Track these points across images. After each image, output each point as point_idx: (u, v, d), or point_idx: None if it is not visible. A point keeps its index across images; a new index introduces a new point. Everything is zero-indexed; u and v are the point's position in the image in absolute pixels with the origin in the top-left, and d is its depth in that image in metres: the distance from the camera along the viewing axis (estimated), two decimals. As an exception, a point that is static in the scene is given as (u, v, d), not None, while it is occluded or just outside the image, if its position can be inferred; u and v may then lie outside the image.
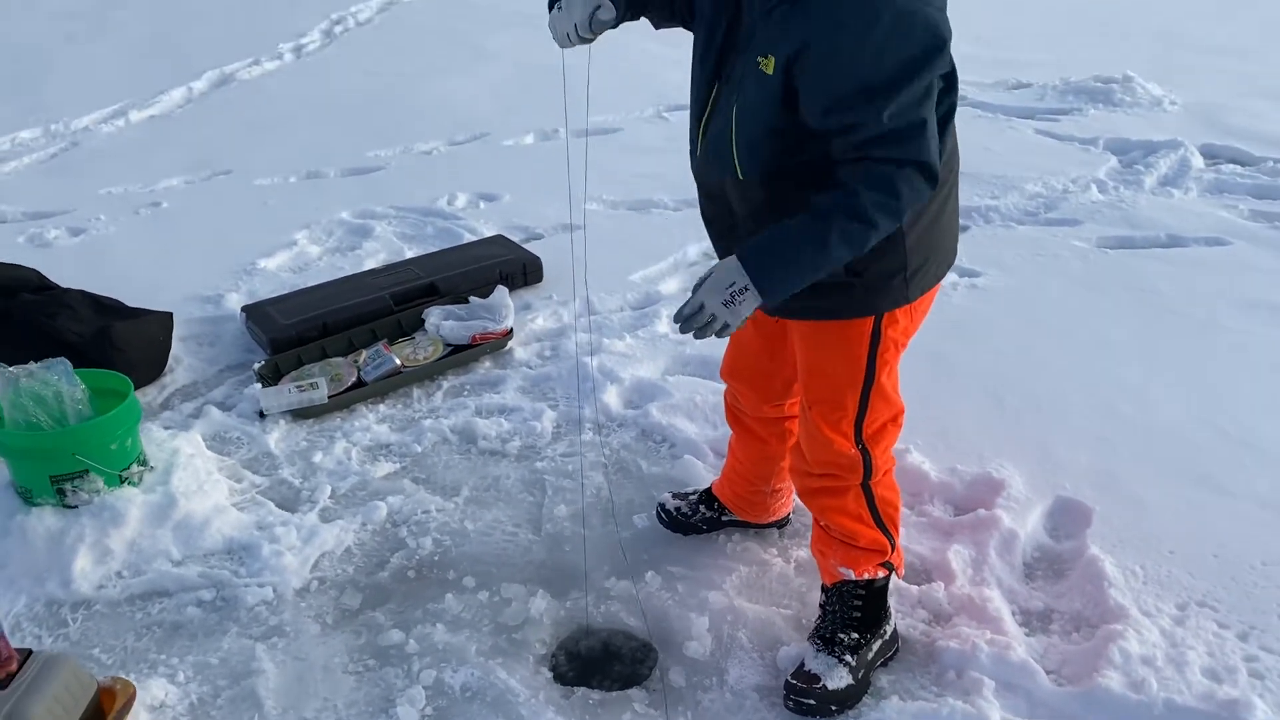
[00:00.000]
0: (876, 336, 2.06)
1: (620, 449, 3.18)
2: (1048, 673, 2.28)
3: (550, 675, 2.38)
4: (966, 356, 3.57)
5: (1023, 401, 3.29)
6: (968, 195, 5.16)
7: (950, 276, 4.15)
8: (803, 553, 2.71)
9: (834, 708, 2.22)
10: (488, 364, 3.68)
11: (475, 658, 2.40)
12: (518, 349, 3.74)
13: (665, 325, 3.86)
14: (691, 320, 1.89)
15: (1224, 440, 3.06)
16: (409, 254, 4.53)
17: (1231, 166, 5.39)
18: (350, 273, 4.26)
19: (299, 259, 4.61)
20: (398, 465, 3.15)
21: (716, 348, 3.66)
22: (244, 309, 3.90)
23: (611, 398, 3.40)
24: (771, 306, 2.10)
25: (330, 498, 2.99)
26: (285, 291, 4.09)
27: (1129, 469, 2.94)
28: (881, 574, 2.33)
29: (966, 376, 3.46)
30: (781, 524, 2.79)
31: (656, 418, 3.26)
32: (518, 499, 2.98)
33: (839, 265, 1.85)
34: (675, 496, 2.82)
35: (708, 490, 2.79)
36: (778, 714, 2.24)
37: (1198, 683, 2.19)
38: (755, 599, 2.56)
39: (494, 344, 3.68)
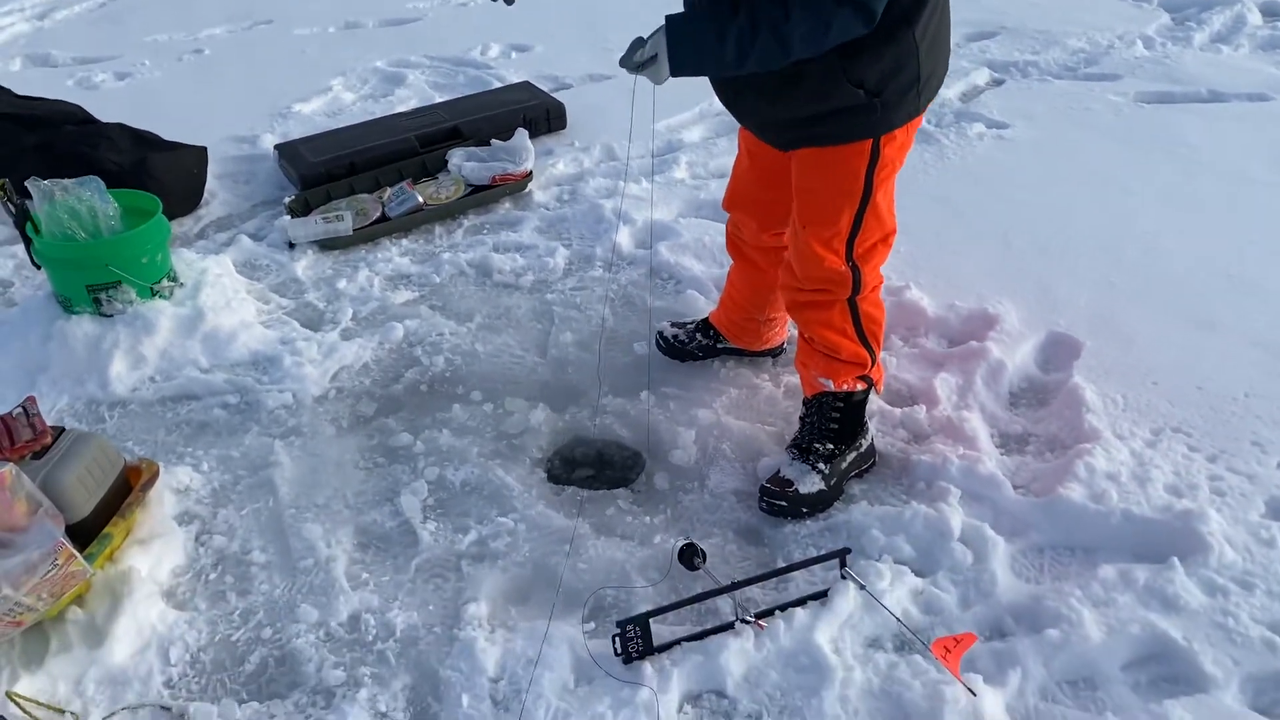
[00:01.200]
0: (875, 156, 2.11)
1: (628, 285, 3.28)
2: (1016, 487, 2.38)
3: (544, 475, 2.54)
4: (980, 202, 3.58)
5: (1030, 245, 3.31)
6: (1007, 51, 5.05)
7: (977, 126, 4.13)
8: (793, 378, 2.81)
9: (804, 510, 2.35)
10: (507, 205, 3.77)
11: (476, 459, 2.57)
12: (537, 192, 3.82)
13: (683, 171, 3.91)
14: (627, 60, 2.03)
15: (1229, 284, 3.06)
16: (439, 101, 4.59)
17: (1290, 24, 5.18)
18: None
19: (333, 104, 4.71)
20: (416, 294, 3.29)
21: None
22: (276, 147, 4.02)
23: (624, 238, 3.48)
24: (783, 141, 2.19)
25: (351, 319, 3.15)
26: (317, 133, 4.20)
27: (1126, 309, 2.97)
28: (860, 387, 2.43)
29: (977, 220, 3.47)
30: (775, 353, 2.89)
31: (665, 256, 3.34)
32: (527, 326, 3.11)
33: (740, 71, 1.92)
34: (674, 325, 2.92)
35: (705, 319, 2.89)
36: (751, 514, 2.38)
37: (1158, 496, 2.27)
38: (742, 416, 2.68)
39: (513, 186, 3.77)
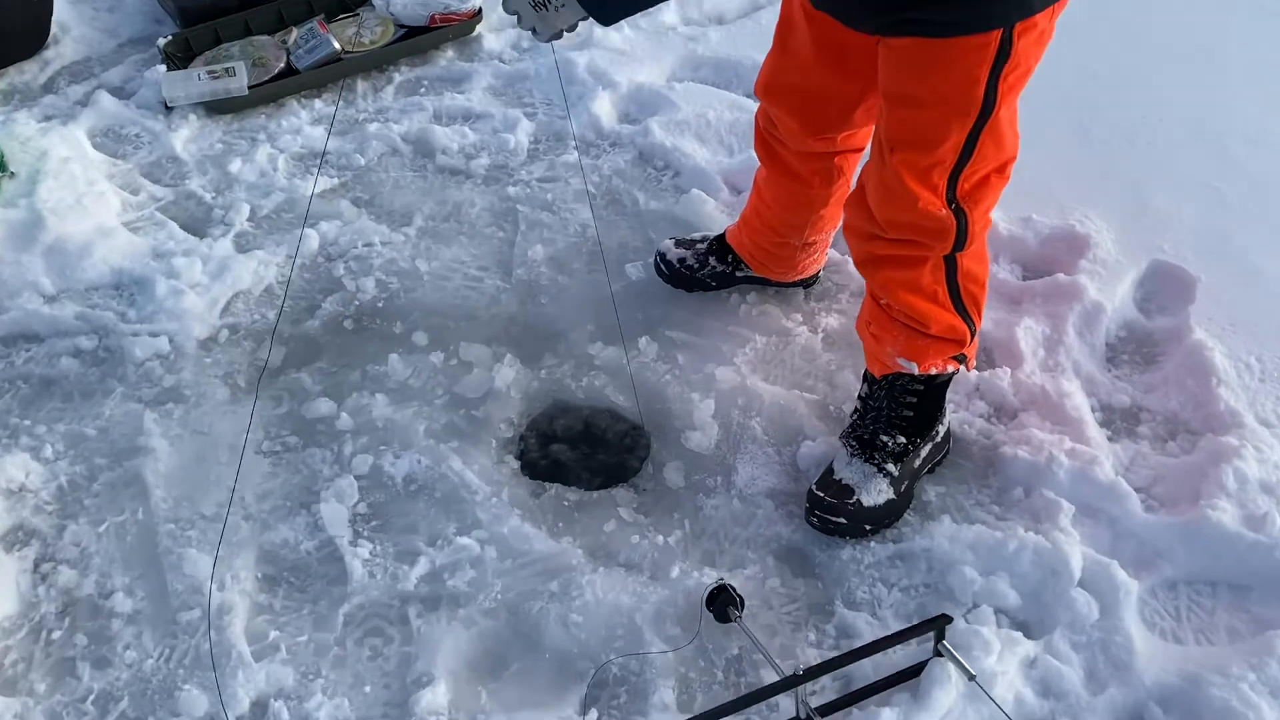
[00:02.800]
0: (1005, 52, 1.43)
1: (612, 175, 2.55)
2: (1135, 490, 1.82)
3: (517, 465, 1.91)
4: (1047, 74, 2.85)
5: (1114, 134, 2.64)
6: None
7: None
8: (833, 320, 2.17)
9: (868, 527, 1.78)
10: (450, 54, 2.96)
11: (424, 440, 1.92)
12: (488, 36, 3.00)
13: (673, 14, 3.10)
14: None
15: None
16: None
17: None
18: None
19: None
20: (335, 181, 2.53)
21: (739, 47, 2.97)
22: (146, -34, 3.10)
23: (603, 107, 2.72)
24: (874, 25, 1.51)
25: (249, 220, 2.40)
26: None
27: (1241, 226, 2.35)
28: (951, 368, 1.82)
29: (1046, 100, 2.74)
30: (808, 283, 2.24)
31: (658, 137, 2.61)
32: (484, 234, 2.40)
33: None
34: (679, 244, 2.24)
35: (720, 238, 2.21)
36: (794, 526, 1.80)
37: (1333, 521, 1.73)
38: (773, 378, 2.06)
39: (458, 27, 2.94)
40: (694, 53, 2.95)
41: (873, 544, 1.77)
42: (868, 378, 1.88)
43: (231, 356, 2.08)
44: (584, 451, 1.95)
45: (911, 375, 1.79)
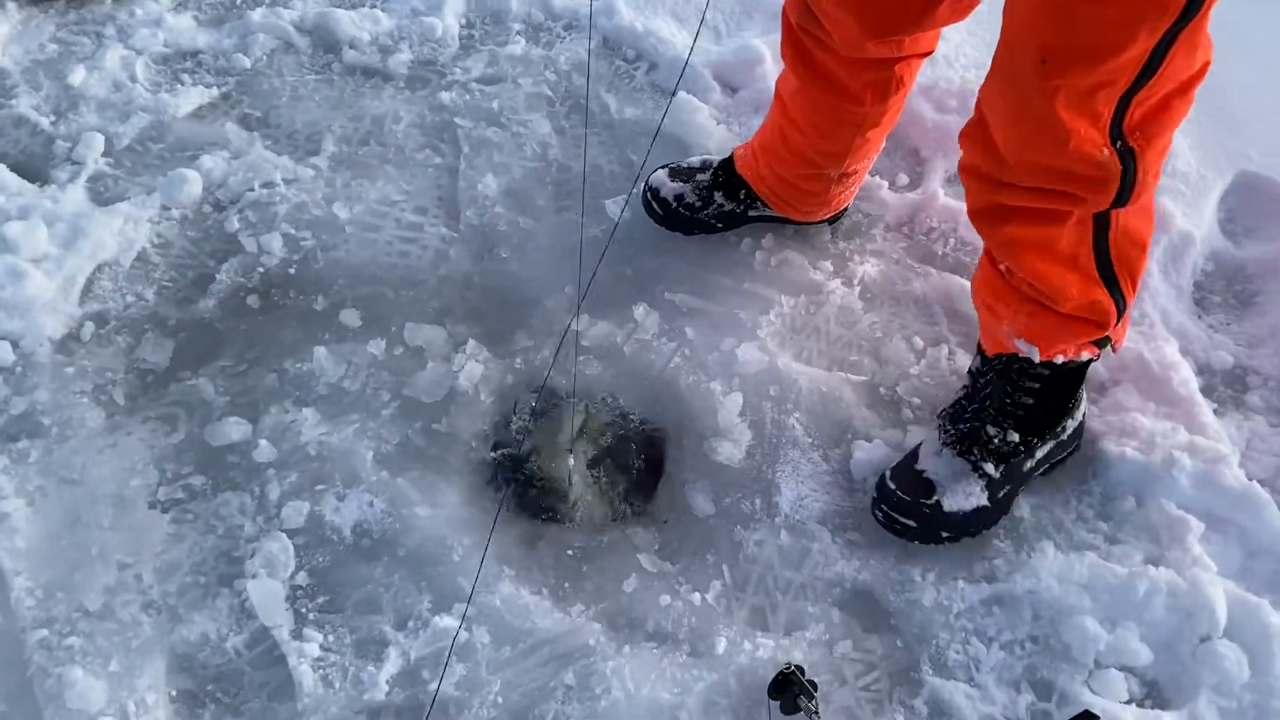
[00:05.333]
0: None
1: (571, 72, 2.03)
2: (1262, 488, 1.49)
3: (499, 499, 1.48)
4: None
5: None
6: None
7: None
8: (871, 266, 1.75)
9: (945, 535, 1.43)
10: (347, -96, 2.31)
11: (374, 472, 1.47)
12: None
13: None
14: None
15: None
16: None
17: None
18: None
19: None
20: (215, 92, 1.95)
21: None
22: None
23: (555, -25, 2.15)
24: None
25: (105, 156, 1.83)
26: None
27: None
28: (1088, 355, 1.42)
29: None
30: (835, 218, 1.79)
31: (625, 16, 2.07)
32: (416, 160, 1.87)
33: None
34: (674, 175, 1.76)
35: (727, 165, 1.74)
36: (858, 561, 1.43)
37: None
38: (807, 354, 1.64)
39: None
40: (655, -103, 2.37)
41: (960, 583, 1.41)
42: (980, 350, 1.48)
43: (101, 361, 1.57)
44: (585, 470, 1.52)
45: (1031, 360, 1.40)
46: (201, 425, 1.51)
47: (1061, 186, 1.22)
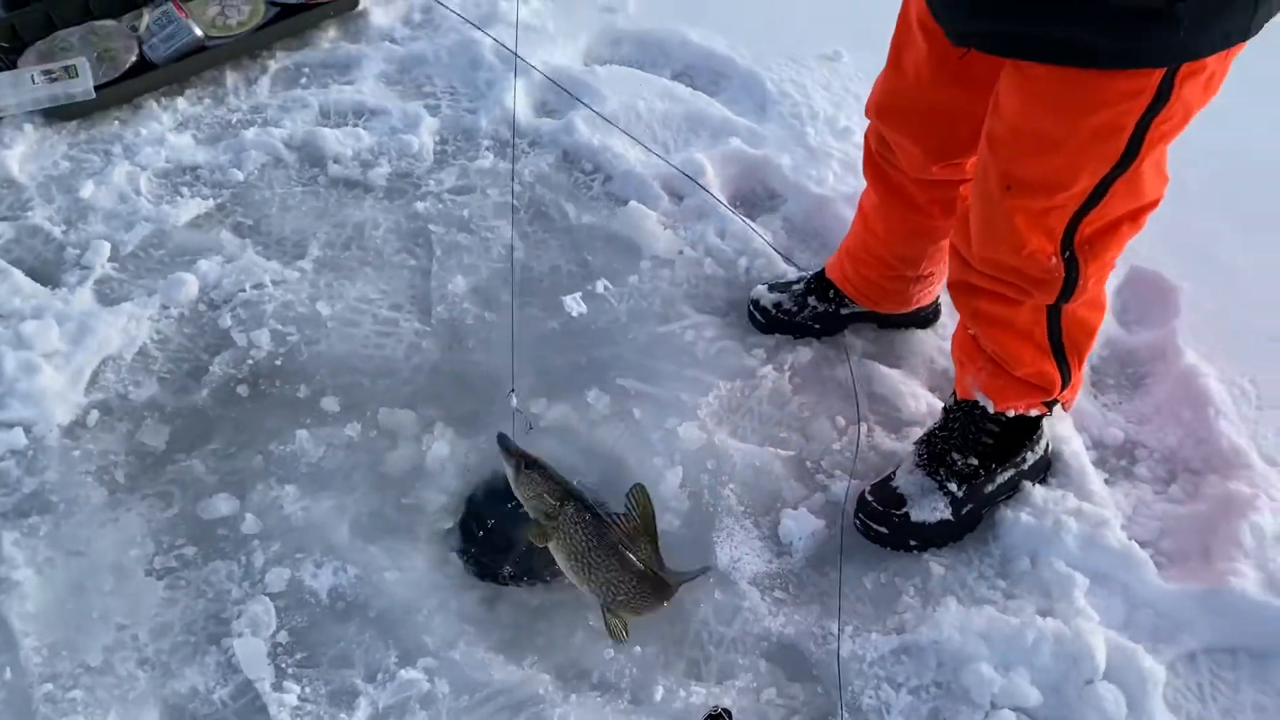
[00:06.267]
0: (1163, 96, 1.21)
1: (535, 183, 2.25)
2: (1142, 544, 1.67)
3: (461, 564, 1.64)
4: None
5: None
6: None
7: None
8: (801, 353, 1.95)
9: (914, 543, 1.65)
10: (332, 34, 2.58)
11: (349, 540, 1.64)
12: (375, 11, 2.62)
13: (589, -25, 2.77)
14: None
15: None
16: None
17: None
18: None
19: None
20: (210, 203, 2.16)
21: (663, 18, 2.65)
22: (-47, -67, 2.59)
23: (517, 99, 2.40)
24: (956, 31, 1.28)
25: (111, 261, 2.03)
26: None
27: (1215, 221, 2.21)
28: (1035, 411, 1.65)
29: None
30: (927, 318, 2.00)
31: (583, 134, 2.31)
32: (392, 263, 2.08)
33: None
34: (772, 289, 1.98)
35: (819, 275, 1.96)
36: (785, 619, 1.60)
37: (1360, 579, 1.62)
38: (742, 433, 1.83)
39: (339, 3, 2.55)
40: (612, 26, 2.65)
41: (873, 635, 1.58)
42: (954, 393, 1.71)
43: (105, 444, 1.74)
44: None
45: (988, 411, 1.63)
46: (194, 501, 1.68)
47: (1014, 280, 1.45)
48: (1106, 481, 1.79)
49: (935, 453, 1.68)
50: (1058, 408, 1.70)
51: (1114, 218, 1.38)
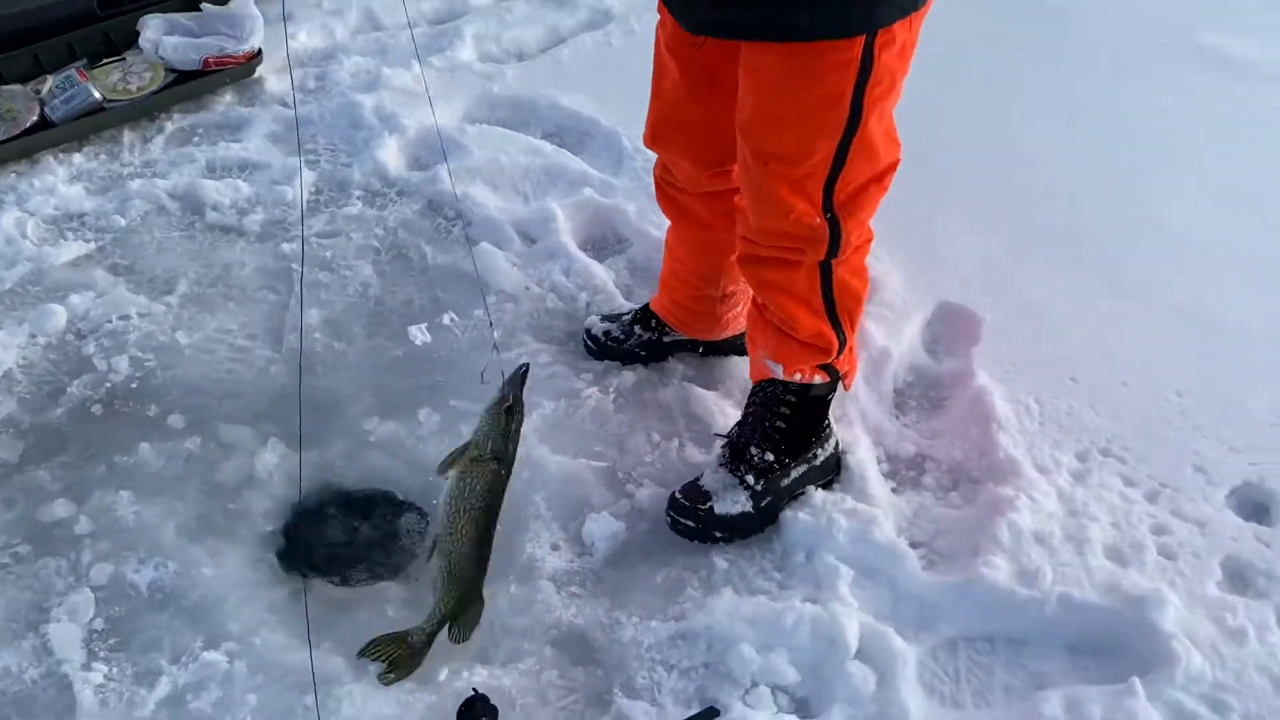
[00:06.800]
0: (867, 64, 1.43)
1: (399, 228, 2.43)
2: (915, 546, 1.81)
3: (277, 563, 1.77)
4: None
5: (906, 170, 2.63)
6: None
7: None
8: (626, 376, 2.10)
9: (718, 534, 1.80)
10: (228, 98, 2.79)
11: (173, 540, 1.77)
12: (269, 78, 2.84)
13: (469, 50, 3.01)
14: None
15: (1138, 225, 2.52)
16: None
17: None
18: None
19: (-20, -66, 3.42)
20: (91, 246, 2.34)
21: (538, 86, 2.88)
22: (-120, 8, 2.81)
23: (390, 154, 2.60)
24: (697, 21, 1.50)
25: (-11, 295, 2.19)
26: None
27: (1025, 264, 2.39)
28: (819, 378, 1.80)
29: (841, 133, 2.78)
30: (743, 345, 2.12)
31: (448, 185, 2.50)
32: (255, 298, 2.25)
33: None
34: (605, 318, 2.16)
35: (645, 307, 2.13)
36: (579, 613, 1.72)
37: (1099, 568, 1.75)
38: (561, 447, 1.97)
39: (235, 70, 2.77)
40: (490, 92, 2.86)
41: (654, 623, 1.70)
42: (753, 387, 1.88)
43: (-42, 455, 1.88)
44: (353, 542, 1.82)
45: (785, 385, 1.79)
46: (34, 506, 1.81)
47: (788, 244, 1.64)
48: (894, 490, 1.93)
49: (735, 449, 1.85)
50: (840, 383, 1.86)
51: (861, 181, 1.59)
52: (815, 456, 1.86)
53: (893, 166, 1.63)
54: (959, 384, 2.14)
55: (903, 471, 1.98)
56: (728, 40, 1.53)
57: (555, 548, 1.81)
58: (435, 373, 2.10)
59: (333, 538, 1.82)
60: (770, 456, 1.82)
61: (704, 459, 1.96)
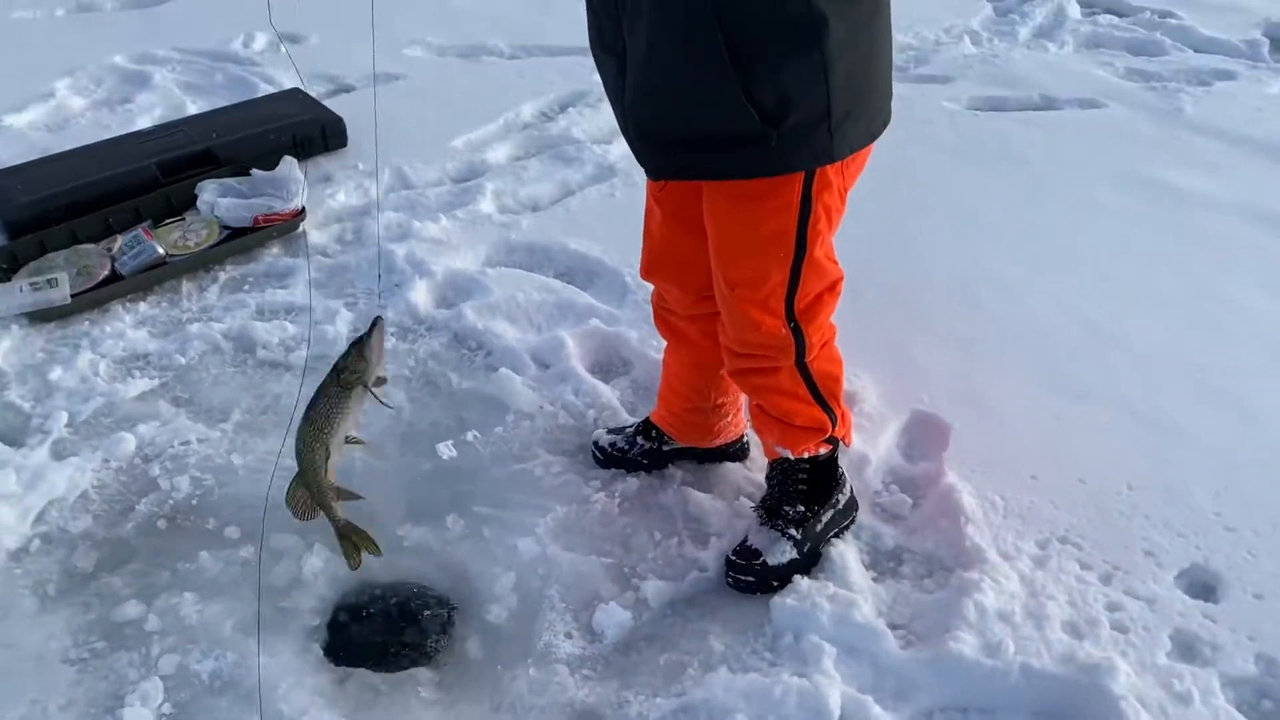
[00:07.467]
0: (806, 206, 1.74)
1: (428, 358, 2.73)
2: (894, 628, 2.01)
3: (321, 653, 1.99)
4: (824, 241, 3.19)
5: (880, 293, 2.95)
6: (834, 47, 4.70)
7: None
8: (630, 483, 2.35)
9: (775, 583, 2.07)
10: (275, 250, 3.13)
11: (231, 635, 1.99)
12: (312, 232, 3.19)
13: (489, 204, 3.36)
14: None
15: (1092, 338, 2.80)
16: (191, 109, 3.87)
17: (1109, 18, 5.08)
18: (117, 134, 3.57)
19: (57, 114, 3.89)
20: (155, 382, 2.63)
21: (550, 233, 3.22)
22: (-26, 181, 3.21)
23: (420, 295, 2.92)
24: (655, 167, 1.79)
25: (67, 427, 2.47)
26: (34, 158, 3.40)
27: (992, 376, 2.65)
28: (825, 450, 2.10)
29: (823, 265, 3.09)
30: (736, 453, 2.42)
31: (471, 320, 2.81)
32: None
33: None
34: (610, 431, 2.42)
35: (646, 419, 2.40)
36: (589, 691, 1.92)
37: (1057, 640, 1.95)
38: (572, 545, 2.20)
39: (282, 226, 3.13)
40: (508, 239, 3.20)
41: (659, 699, 1.90)
42: (769, 462, 2.17)
43: (42, 566, 2.13)
44: (389, 633, 2.04)
45: (797, 459, 2.07)
46: (109, 608, 2.04)
47: (763, 351, 1.93)
48: (875, 579, 2.14)
49: (770, 510, 2.12)
50: (842, 445, 2.17)
51: (816, 292, 1.88)
52: (837, 501, 2.15)
53: (840, 279, 1.94)
54: (931, 483, 2.36)
55: (883, 562, 2.20)
56: (694, 186, 1.85)
57: (569, 635, 2.02)
58: (459, 484, 2.35)
59: (371, 631, 2.04)
60: (801, 508, 2.10)
61: (701, 555, 2.18)
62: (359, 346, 1.90)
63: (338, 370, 1.90)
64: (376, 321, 1.92)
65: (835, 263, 1.93)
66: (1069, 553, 2.16)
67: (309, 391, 1.99)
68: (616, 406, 2.57)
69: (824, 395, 2.02)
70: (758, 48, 1.59)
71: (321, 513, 1.94)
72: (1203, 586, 2.12)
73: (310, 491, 1.91)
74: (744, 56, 1.59)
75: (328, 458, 1.91)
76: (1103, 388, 2.62)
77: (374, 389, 1.92)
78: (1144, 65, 4.56)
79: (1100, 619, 2.01)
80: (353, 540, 1.95)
